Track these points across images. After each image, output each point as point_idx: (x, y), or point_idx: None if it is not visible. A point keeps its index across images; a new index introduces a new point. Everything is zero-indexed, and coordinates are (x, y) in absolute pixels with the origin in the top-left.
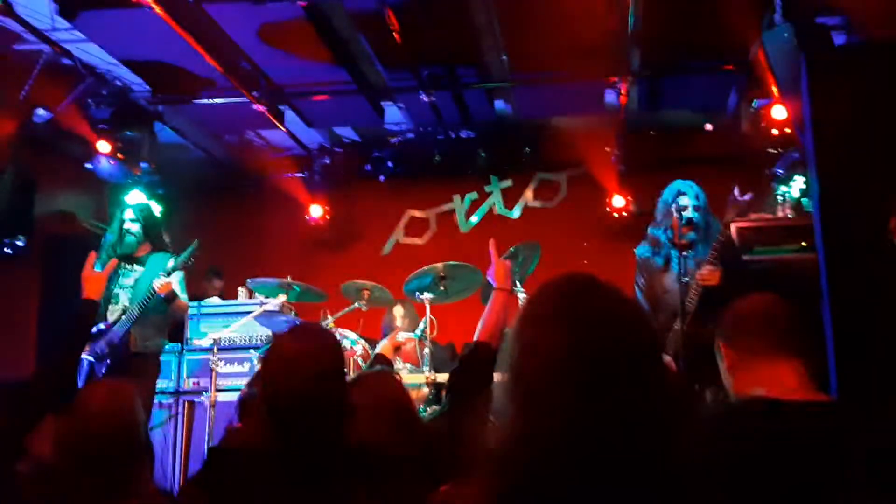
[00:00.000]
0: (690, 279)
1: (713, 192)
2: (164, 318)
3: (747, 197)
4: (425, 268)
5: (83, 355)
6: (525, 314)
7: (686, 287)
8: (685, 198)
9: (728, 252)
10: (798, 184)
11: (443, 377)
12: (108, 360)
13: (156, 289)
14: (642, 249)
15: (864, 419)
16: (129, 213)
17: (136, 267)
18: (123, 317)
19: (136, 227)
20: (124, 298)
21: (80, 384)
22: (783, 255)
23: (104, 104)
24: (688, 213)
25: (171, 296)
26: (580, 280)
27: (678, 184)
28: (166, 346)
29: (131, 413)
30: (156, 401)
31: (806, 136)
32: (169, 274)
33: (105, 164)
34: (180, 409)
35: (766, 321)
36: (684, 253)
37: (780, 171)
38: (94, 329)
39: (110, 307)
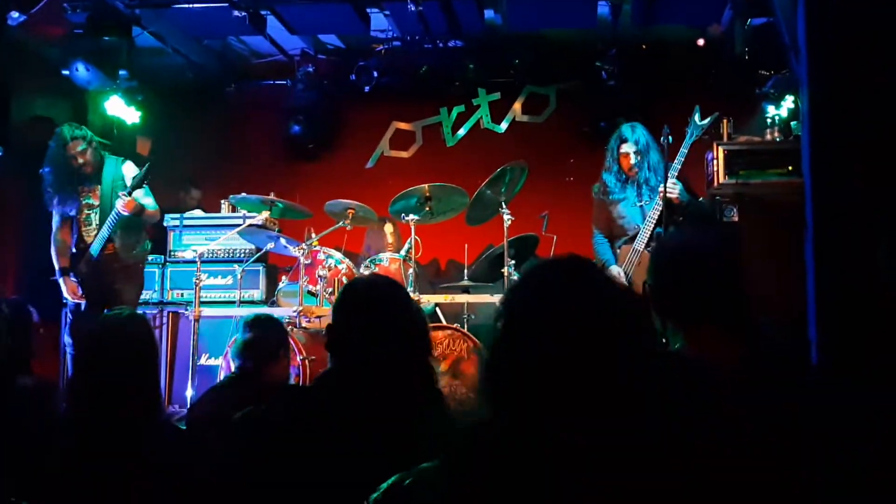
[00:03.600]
0: (648, 201)
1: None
2: (141, 226)
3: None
4: (411, 189)
5: (68, 295)
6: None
7: (642, 211)
8: (627, 144)
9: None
10: (788, 104)
11: (427, 297)
12: (92, 278)
13: (120, 210)
14: (597, 188)
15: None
16: (76, 145)
17: (93, 185)
18: (97, 236)
19: (88, 156)
20: (95, 217)
21: (68, 304)
22: (769, 179)
23: (80, 8)
24: (630, 158)
25: (138, 209)
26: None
27: (621, 129)
28: (149, 248)
29: (148, 340)
30: (140, 310)
31: (800, 62)
32: (129, 194)
33: (82, 71)
34: (165, 320)
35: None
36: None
37: (771, 91)
38: (74, 250)
39: (84, 229)
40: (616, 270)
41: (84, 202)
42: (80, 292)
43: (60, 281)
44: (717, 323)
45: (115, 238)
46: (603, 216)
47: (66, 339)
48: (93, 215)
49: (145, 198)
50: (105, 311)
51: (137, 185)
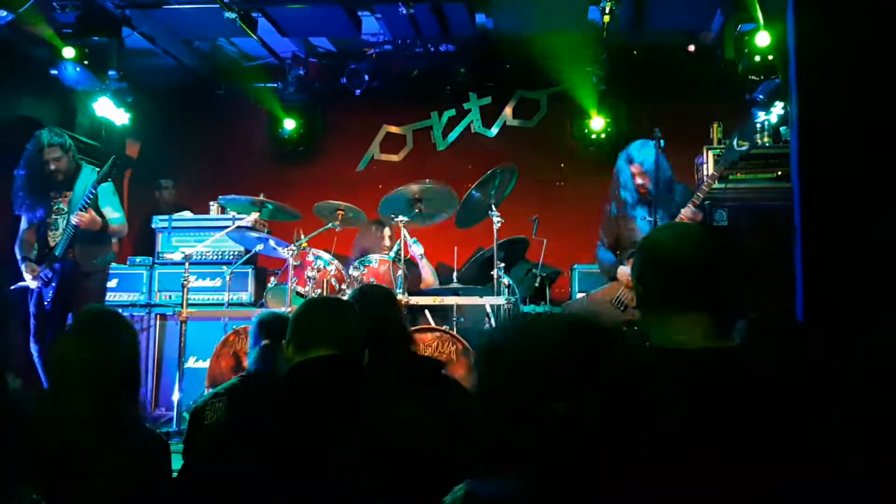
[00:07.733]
0: (662, 217)
1: (692, 116)
2: (104, 236)
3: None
4: (400, 189)
5: (30, 281)
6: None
7: (651, 225)
8: (634, 165)
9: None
10: (777, 110)
11: (416, 299)
12: (54, 284)
13: (74, 223)
14: (612, 207)
15: (829, 348)
16: (53, 151)
17: (64, 191)
18: (60, 243)
19: (63, 163)
20: (62, 223)
21: (30, 309)
22: (758, 183)
23: (69, 7)
24: (638, 178)
25: (97, 225)
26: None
27: (630, 149)
28: (111, 260)
29: (117, 341)
30: (127, 313)
31: (789, 67)
32: (91, 199)
33: (70, 71)
34: (152, 322)
35: (682, 271)
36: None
37: (761, 97)
38: (38, 254)
39: (50, 233)
40: (623, 270)
41: (54, 207)
42: (39, 271)
43: (23, 267)
44: (691, 312)
45: (76, 245)
46: (614, 232)
47: (33, 347)
48: (60, 220)
49: (114, 212)
50: (69, 316)
51: (102, 178)
